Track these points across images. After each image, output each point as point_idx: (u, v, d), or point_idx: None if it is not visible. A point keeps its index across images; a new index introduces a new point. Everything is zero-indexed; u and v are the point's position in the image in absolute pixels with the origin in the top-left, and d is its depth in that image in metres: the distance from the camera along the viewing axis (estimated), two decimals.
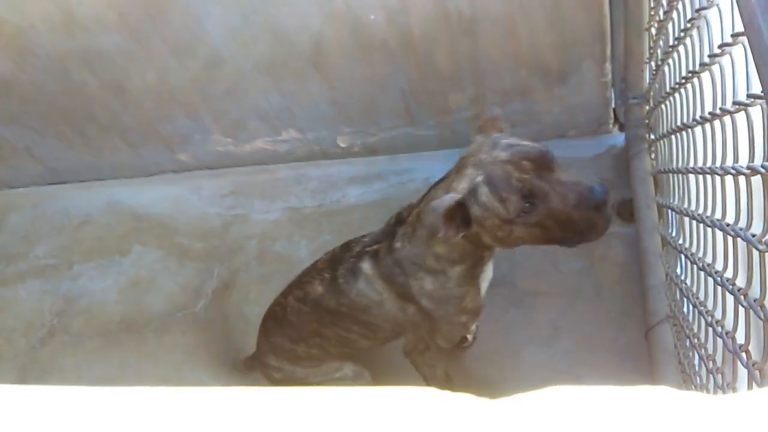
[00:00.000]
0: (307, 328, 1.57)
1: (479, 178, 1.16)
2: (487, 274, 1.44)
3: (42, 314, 2.27)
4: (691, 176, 1.27)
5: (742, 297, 0.89)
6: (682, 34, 1.28)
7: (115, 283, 2.28)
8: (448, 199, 1.16)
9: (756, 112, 0.81)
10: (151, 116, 2.23)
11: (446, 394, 0.37)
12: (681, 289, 1.43)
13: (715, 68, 1.04)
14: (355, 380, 1.65)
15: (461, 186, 1.18)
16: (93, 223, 2.45)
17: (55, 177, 2.56)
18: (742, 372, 0.90)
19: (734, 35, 0.89)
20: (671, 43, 1.40)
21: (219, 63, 2.00)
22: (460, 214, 1.17)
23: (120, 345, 2.13)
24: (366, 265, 1.42)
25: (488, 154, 1.18)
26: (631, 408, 0.34)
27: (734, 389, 0.97)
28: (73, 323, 2.22)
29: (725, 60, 0.98)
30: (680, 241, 1.44)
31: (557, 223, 1.14)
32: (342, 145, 2.27)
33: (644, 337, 1.69)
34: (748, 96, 0.83)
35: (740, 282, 0.93)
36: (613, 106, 2.07)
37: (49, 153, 2.44)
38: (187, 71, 2.04)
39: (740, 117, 0.92)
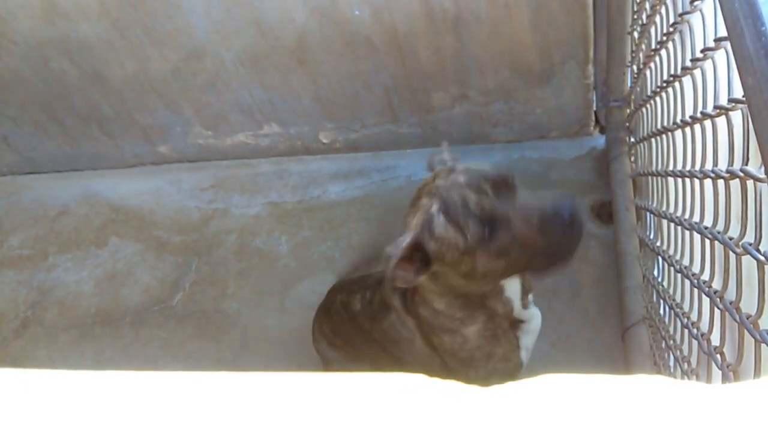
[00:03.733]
0: (344, 331, 1.53)
1: (434, 208, 1.07)
2: (532, 325, 1.30)
3: (16, 305, 2.23)
4: (670, 179, 1.28)
5: (718, 299, 0.90)
6: (665, 38, 1.29)
7: (91, 275, 2.25)
8: (400, 243, 1.07)
9: (737, 116, 0.82)
10: (130, 107, 2.21)
11: (436, 381, 0.37)
12: (658, 291, 1.45)
13: (697, 72, 1.05)
14: None
15: (415, 220, 1.09)
16: (70, 214, 2.42)
17: (32, 166, 2.52)
18: (717, 373, 0.91)
19: (717, 40, 0.90)
20: (653, 46, 1.41)
21: (201, 55, 1.99)
22: (418, 253, 1.09)
23: (95, 338, 2.11)
24: (397, 302, 1.31)
25: (444, 179, 1.09)
26: (626, 396, 0.34)
27: None
28: (48, 315, 2.19)
29: (707, 64, 0.99)
30: (658, 244, 1.46)
31: (523, 250, 1.03)
32: (324, 140, 2.27)
33: (620, 338, 1.70)
34: (730, 100, 0.84)
35: (716, 284, 0.94)
36: (594, 108, 2.09)
37: (26, 142, 2.41)
38: (168, 62, 2.02)
39: (720, 121, 0.93)
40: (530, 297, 1.32)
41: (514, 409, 0.34)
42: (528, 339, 1.30)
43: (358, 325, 1.45)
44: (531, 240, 1.02)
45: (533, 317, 1.31)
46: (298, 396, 0.37)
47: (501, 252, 1.05)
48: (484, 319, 1.22)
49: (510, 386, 0.36)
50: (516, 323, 1.27)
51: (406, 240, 1.07)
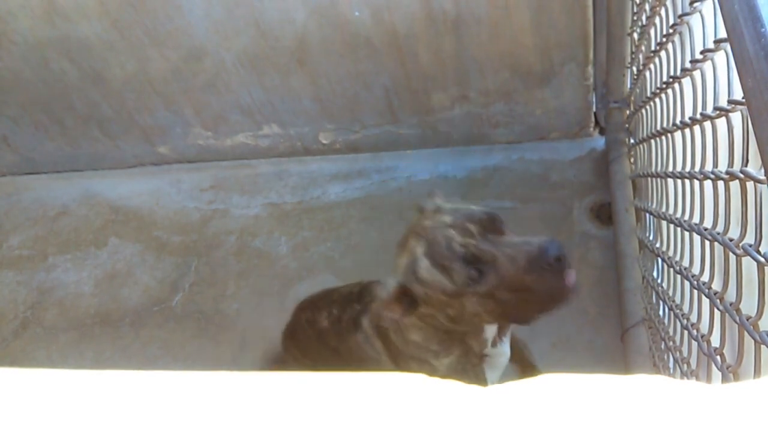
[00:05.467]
0: (312, 349, 1.52)
1: (419, 250, 1.05)
2: (497, 360, 1.27)
3: (15, 306, 2.23)
4: (670, 180, 1.28)
5: (717, 300, 0.90)
6: (664, 40, 1.29)
7: (91, 275, 2.25)
8: (388, 287, 1.08)
9: (736, 117, 0.82)
10: (130, 107, 2.21)
11: (436, 381, 0.37)
12: (657, 292, 1.45)
13: (697, 74, 1.05)
14: None
15: (402, 262, 1.09)
16: (69, 215, 2.42)
17: (32, 167, 2.52)
18: (717, 375, 0.91)
19: (717, 41, 0.90)
20: (653, 48, 1.41)
21: (201, 55, 1.99)
22: (406, 295, 1.08)
23: (95, 338, 2.10)
24: (366, 322, 1.31)
25: (432, 219, 1.08)
26: (626, 395, 0.34)
27: None
28: (47, 315, 2.19)
29: (707, 66, 0.99)
30: (657, 245, 1.46)
31: (511, 292, 1.00)
32: (324, 141, 2.27)
33: (620, 339, 1.70)
34: (729, 102, 0.84)
35: (716, 286, 0.94)
36: (594, 109, 2.09)
37: (26, 142, 2.41)
38: (168, 62, 2.02)
39: (720, 123, 0.93)
40: (505, 337, 1.29)
41: (515, 409, 0.34)
42: (493, 374, 1.27)
43: (324, 342, 1.44)
44: (519, 281, 0.99)
45: (500, 355, 1.27)
46: (298, 395, 0.37)
47: (490, 295, 1.02)
48: (458, 353, 1.20)
49: (510, 386, 0.36)
50: (482, 357, 1.25)
51: (392, 286, 1.07)
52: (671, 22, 1.24)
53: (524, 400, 0.34)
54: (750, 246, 0.77)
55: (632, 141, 1.91)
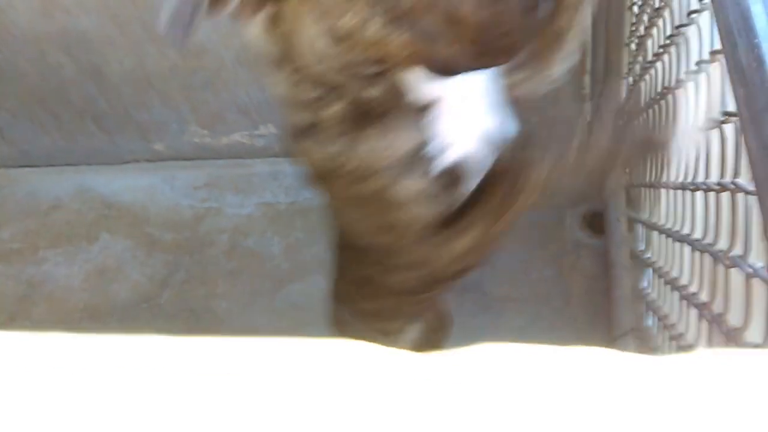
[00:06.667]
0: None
1: None
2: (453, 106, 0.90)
3: (4, 299, 2.22)
4: (662, 191, 1.29)
5: (705, 311, 0.91)
6: (661, 50, 1.29)
7: (81, 270, 2.24)
8: None
9: (729, 129, 0.82)
10: (127, 103, 2.20)
11: (372, 347, 0.37)
12: (646, 302, 1.45)
13: (691, 85, 1.05)
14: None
15: None
16: (62, 209, 2.41)
17: (26, 160, 2.51)
18: None
19: (713, 53, 0.91)
20: (650, 59, 1.42)
21: (199, 53, 1.99)
22: None
23: (82, 333, 2.09)
24: None
25: None
26: (564, 364, 0.34)
27: None
28: (36, 309, 2.18)
29: (701, 77, 1.00)
30: (648, 255, 1.46)
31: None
32: None
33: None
34: (723, 113, 0.85)
35: (703, 297, 0.95)
36: (589, 119, 2.09)
37: (21, 135, 2.40)
38: (166, 59, 2.02)
39: (713, 134, 0.94)
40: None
41: (448, 374, 0.34)
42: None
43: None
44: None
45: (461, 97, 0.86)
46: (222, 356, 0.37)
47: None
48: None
49: (446, 354, 0.36)
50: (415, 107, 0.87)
51: None
52: (668, 33, 1.25)
53: (460, 367, 0.35)
54: (739, 257, 0.78)
55: None
